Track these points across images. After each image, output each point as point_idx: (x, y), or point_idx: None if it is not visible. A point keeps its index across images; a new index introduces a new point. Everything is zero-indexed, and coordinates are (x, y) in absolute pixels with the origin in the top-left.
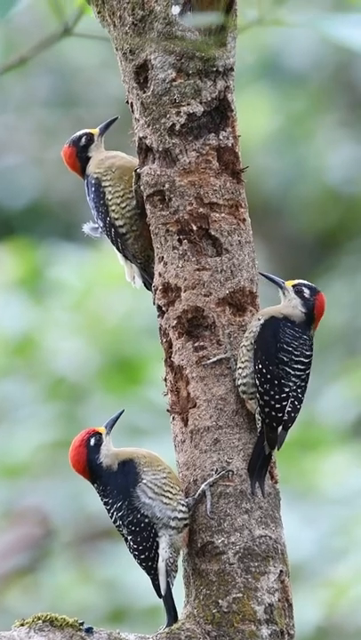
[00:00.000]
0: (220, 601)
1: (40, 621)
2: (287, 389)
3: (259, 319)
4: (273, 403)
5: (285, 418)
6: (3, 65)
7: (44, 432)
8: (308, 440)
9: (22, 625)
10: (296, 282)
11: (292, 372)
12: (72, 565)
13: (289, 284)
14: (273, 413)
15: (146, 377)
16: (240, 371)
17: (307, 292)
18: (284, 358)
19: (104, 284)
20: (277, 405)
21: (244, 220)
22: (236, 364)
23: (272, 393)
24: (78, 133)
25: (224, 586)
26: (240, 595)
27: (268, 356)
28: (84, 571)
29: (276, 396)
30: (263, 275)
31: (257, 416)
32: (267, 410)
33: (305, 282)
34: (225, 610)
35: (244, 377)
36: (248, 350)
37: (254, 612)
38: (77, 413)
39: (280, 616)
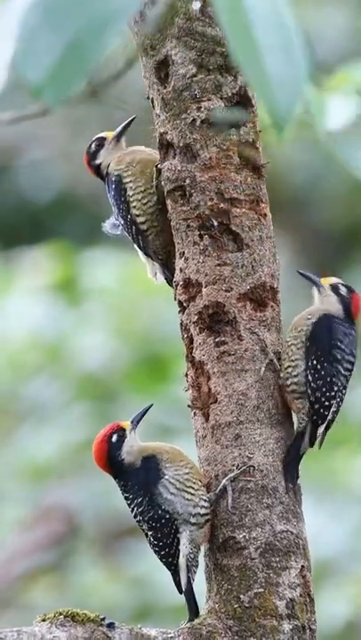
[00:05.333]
0: (241, 596)
1: (61, 617)
2: (336, 388)
3: (309, 317)
4: (323, 400)
5: (330, 417)
6: (22, 114)
7: (74, 430)
8: (338, 437)
9: (44, 620)
10: (333, 280)
11: (342, 371)
12: (98, 563)
13: (325, 282)
14: (321, 410)
15: (176, 375)
16: (290, 370)
17: (343, 290)
18: (338, 355)
19: (135, 281)
20: (326, 403)
21: (265, 215)
22: (279, 365)
23: (324, 390)
24: (93, 138)
25: (245, 581)
26: (261, 590)
27: (323, 352)
28: (111, 568)
29: (327, 394)
30: (300, 273)
31: (301, 415)
32: (317, 406)
33: (341, 280)
34: (246, 605)
35: (295, 375)
36: (298, 348)
37: (276, 607)
38: (107, 411)
39: (301, 611)
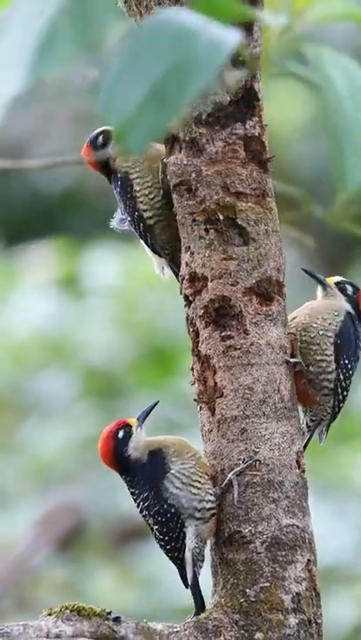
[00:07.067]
0: (247, 590)
1: (67, 611)
2: (351, 385)
3: (336, 314)
4: (346, 396)
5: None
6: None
7: (80, 426)
8: (342, 433)
9: (50, 615)
10: (338, 279)
11: (354, 369)
12: (105, 564)
13: (330, 280)
14: (342, 405)
15: (183, 369)
16: (324, 365)
17: (350, 290)
18: (359, 354)
19: (140, 275)
20: (346, 399)
21: (271, 209)
22: (305, 366)
23: (349, 388)
24: (95, 132)
25: (251, 575)
26: (267, 584)
27: (351, 352)
28: (118, 570)
29: (349, 390)
30: (305, 270)
31: (321, 409)
32: (341, 405)
33: (345, 279)
34: (252, 599)
35: (330, 372)
36: (331, 344)
37: (282, 602)
38: (114, 407)
39: (308, 605)
